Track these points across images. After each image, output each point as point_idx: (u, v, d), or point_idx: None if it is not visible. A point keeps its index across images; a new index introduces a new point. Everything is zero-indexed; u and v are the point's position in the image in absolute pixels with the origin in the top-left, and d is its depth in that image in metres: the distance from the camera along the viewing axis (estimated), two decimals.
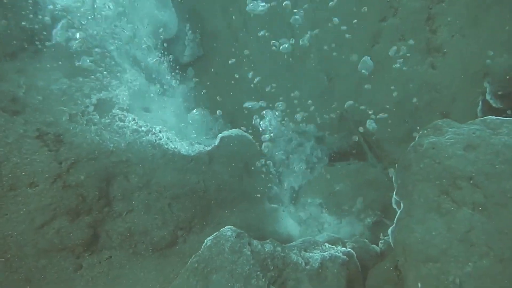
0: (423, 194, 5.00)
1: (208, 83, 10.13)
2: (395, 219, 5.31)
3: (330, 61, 8.33)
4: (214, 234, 5.98)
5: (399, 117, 8.08)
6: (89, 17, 8.03)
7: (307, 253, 5.92)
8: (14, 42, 6.72)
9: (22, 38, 6.84)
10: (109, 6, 8.30)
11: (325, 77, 8.58)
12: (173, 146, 7.27)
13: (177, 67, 9.98)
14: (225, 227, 6.04)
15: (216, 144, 7.90)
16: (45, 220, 5.54)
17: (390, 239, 5.33)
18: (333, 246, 6.16)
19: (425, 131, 5.58)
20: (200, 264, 5.50)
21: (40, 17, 7.13)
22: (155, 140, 7.14)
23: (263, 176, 8.38)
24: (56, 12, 7.45)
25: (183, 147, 7.46)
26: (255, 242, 5.89)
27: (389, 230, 5.39)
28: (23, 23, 6.85)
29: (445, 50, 7.38)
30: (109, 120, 7.03)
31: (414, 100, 7.77)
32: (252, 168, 8.25)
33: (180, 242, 6.62)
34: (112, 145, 6.75)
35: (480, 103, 7.18)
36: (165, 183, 6.87)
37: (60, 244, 5.56)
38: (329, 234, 7.17)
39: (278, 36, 8.58)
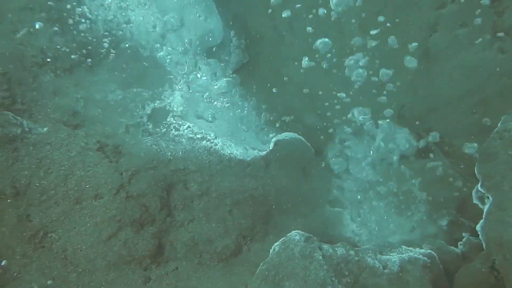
0: None
1: (254, 88, 9.91)
2: (484, 214, 4.79)
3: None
4: (281, 239, 5.69)
5: (466, 109, 7.46)
6: (139, 28, 8.10)
7: (384, 256, 5.48)
8: (71, 56, 6.83)
9: (78, 52, 6.94)
10: (158, 16, 8.35)
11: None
12: (229, 152, 7.09)
13: (225, 75, 9.86)
14: (292, 232, 5.74)
15: (270, 148, 7.64)
16: (112, 232, 5.47)
17: (480, 237, 4.80)
18: (410, 248, 5.68)
19: (510, 116, 5.04)
20: (271, 272, 5.22)
21: (93, 30, 7.24)
22: (211, 146, 6.99)
23: (321, 179, 8.02)
24: (109, 25, 7.55)
25: (239, 152, 7.26)
26: (325, 246, 5.53)
27: (478, 228, 4.87)
28: (78, 37, 6.95)
29: None
30: (164, 129, 6.98)
31: (483, 89, 7.13)
32: (310, 172, 7.91)
33: (244, 251, 6.37)
34: (169, 154, 6.66)
35: None
36: (224, 189, 6.67)
37: (128, 256, 5.47)
38: (402, 237, 6.67)
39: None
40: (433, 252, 5.51)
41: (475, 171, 5.14)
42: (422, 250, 5.58)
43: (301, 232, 5.66)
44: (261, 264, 5.40)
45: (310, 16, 8.24)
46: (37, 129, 5.89)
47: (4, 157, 5.33)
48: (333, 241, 6.30)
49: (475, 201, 5.42)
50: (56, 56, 6.63)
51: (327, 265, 5.22)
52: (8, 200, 5.20)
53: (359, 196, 8.25)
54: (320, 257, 5.28)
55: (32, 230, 5.22)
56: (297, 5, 8.12)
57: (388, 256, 5.41)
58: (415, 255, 5.42)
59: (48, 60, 6.50)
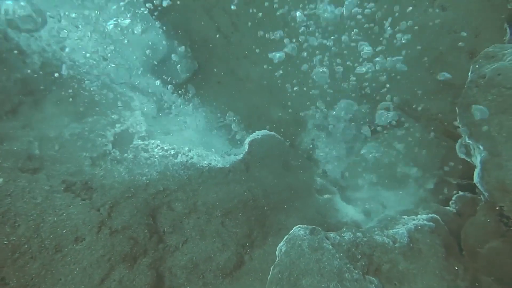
0: (504, 128, 4.52)
1: (213, 94, 9.61)
2: (479, 164, 4.81)
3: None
4: (285, 238, 5.44)
5: (423, 69, 7.63)
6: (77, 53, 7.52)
7: (390, 230, 5.39)
8: (10, 97, 6.15)
9: (18, 91, 6.28)
10: (95, 37, 7.81)
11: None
12: (206, 162, 6.73)
13: (177, 86, 9.46)
14: (295, 228, 5.50)
15: (246, 150, 7.38)
16: (103, 274, 4.92)
17: (480, 188, 4.81)
18: (412, 217, 5.63)
19: (477, 64, 5.13)
20: (284, 273, 4.94)
21: (29, 64, 6.59)
22: (187, 161, 6.59)
23: (303, 170, 7.86)
24: (44, 55, 6.91)
25: (216, 160, 6.92)
26: (331, 234, 5.35)
27: (476, 179, 4.89)
28: (15, 75, 6.28)
29: None
30: (133, 153, 6.47)
31: (434, 48, 7.32)
32: (291, 164, 7.73)
33: (247, 260, 6.02)
34: (144, 178, 6.18)
35: (508, 30, 6.78)
36: (212, 201, 6.30)
37: None
38: (397, 209, 6.65)
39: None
40: (435, 215, 5.50)
41: (459, 124, 5.16)
42: (424, 216, 5.55)
43: (304, 225, 5.43)
44: (272, 268, 5.10)
45: (250, 10, 8.12)
46: None
47: None
48: (333, 229, 6.14)
49: (460, 155, 5.46)
50: None
51: (339, 252, 5.03)
52: None
53: (342, 178, 8.20)
54: (330, 247, 5.08)
55: None
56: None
57: (394, 230, 5.32)
58: (420, 222, 5.38)
59: None
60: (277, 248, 5.34)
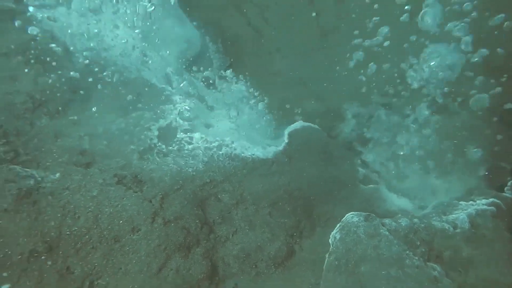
0: None
1: (246, 87, 9.59)
2: None
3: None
4: (338, 225, 5.34)
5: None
6: (118, 51, 7.66)
7: (449, 216, 5.21)
8: (60, 95, 6.31)
9: (66, 89, 6.44)
10: (133, 36, 7.94)
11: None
12: (250, 153, 6.71)
13: (212, 81, 9.51)
14: (347, 214, 5.41)
15: (286, 141, 7.33)
16: (161, 263, 4.97)
17: None
18: (471, 202, 5.43)
19: None
20: (341, 260, 4.85)
21: (75, 62, 6.75)
22: (231, 152, 6.59)
23: (345, 160, 7.73)
24: (86, 54, 7.07)
25: (259, 151, 6.91)
26: (387, 220, 5.22)
27: None
28: (63, 74, 6.45)
29: None
30: (177, 146, 6.53)
31: None
32: (332, 154, 7.62)
33: (297, 250, 5.96)
34: (191, 170, 6.22)
35: None
36: (258, 192, 6.28)
37: (184, 283, 4.97)
38: (448, 196, 6.44)
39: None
40: (496, 199, 5.28)
41: None
42: (484, 201, 5.33)
43: (357, 212, 5.32)
44: (327, 256, 5.03)
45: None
46: (49, 176, 5.34)
47: (25, 213, 4.77)
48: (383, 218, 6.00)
49: None
50: (46, 98, 6.11)
51: (396, 239, 4.90)
52: (43, 257, 4.63)
53: (386, 167, 8.01)
54: (387, 233, 4.96)
55: (76, 282, 4.65)
56: None
57: (453, 215, 5.15)
58: (480, 207, 5.17)
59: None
60: (331, 236, 5.25)
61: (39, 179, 5.14)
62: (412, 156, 7.65)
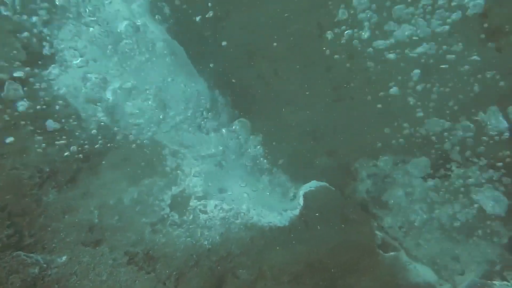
0: None
1: (255, 142, 9.34)
2: None
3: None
4: None
5: None
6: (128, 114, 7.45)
7: None
8: (70, 165, 6.06)
9: (76, 158, 6.19)
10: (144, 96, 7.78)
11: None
12: (266, 222, 6.40)
13: (221, 137, 9.28)
14: None
15: (301, 204, 7.03)
16: None
17: None
18: (505, 283, 5.06)
19: None
20: None
21: (85, 129, 6.54)
22: (248, 221, 6.26)
23: (362, 223, 7.39)
24: (98, 119, 6.86)
25: (276, 218, 6.59)
26: None
27: None
28: (74, 142, 6.22)
29: None
30: (192, 216, 6.21)
31: None
32: (349, 217, 7.30)
33: None
34: (206, 242, 5.88)
35: None
36: (277, 265, 5.92)
37: None
38: (475, 268, 6.07)
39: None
40: None
41: None
42: None
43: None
44: None
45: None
46: (55, 260, 5.01)
47: None
48: None
49: None
50: (55, 170, 5.84)
51: None
52: None
53: (404, 232, 7.63)
54: None
55: None
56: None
57: None
58: None
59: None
60: None
61: (44, 265, 4.79)
62: (431, 219, 7.32)
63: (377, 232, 7.42)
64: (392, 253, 6.88)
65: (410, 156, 7.57)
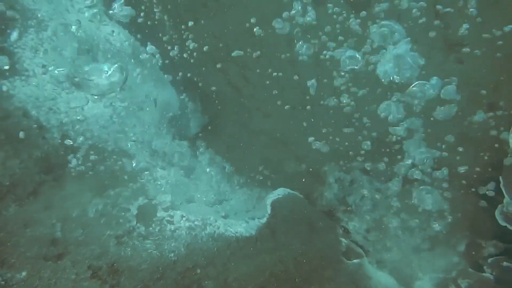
0: None
1: (224, 150, 9.37)
2: None
3: None
4: None
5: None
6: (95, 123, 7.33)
7: None
8: (32, 177, 5.93)
9: (38, 169, 6.06)
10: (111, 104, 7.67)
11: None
12: (233, 231, 6.47)
13: (190, 143, 9.28)
14: None
15: (269, 212, 7.15)
16: None
17: None
18: None
19: None
20: None
21: (48, 139, 6.39)
22: (214, 232, 6.33)
23: (328, 230, 7.60)
24: (63, 128, 6.72)
25: (242, 227, 6.68)
26: None
27: None
28: (35, 153, 6.08)
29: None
30: (158, 227, 6.21)
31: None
32: (316, 225, 7.49)
33: None
34: (172, 255, 5.90)
35: None
36: (243, 276, 6.01)
37: None
38: (433, 276, 6.39)
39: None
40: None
41: (502, 188, 5.00)
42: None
43: None
44: None
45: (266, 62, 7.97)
46: (14, 276, 4.89)
47: None
48: None
49: (502, 223, 5.27)
50: (14, 182, 5.70)
51: None
52: None
53: (367, 238, 7.90)
54: None
55: None
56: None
57: None
58: None
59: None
60: None
61: (3, 282, 4.67)
62: (393, 227, 7.61)
63: (341, 239, 7.64)
64: (355, 260, 7.10)
65: (376, 161, 7.82)
